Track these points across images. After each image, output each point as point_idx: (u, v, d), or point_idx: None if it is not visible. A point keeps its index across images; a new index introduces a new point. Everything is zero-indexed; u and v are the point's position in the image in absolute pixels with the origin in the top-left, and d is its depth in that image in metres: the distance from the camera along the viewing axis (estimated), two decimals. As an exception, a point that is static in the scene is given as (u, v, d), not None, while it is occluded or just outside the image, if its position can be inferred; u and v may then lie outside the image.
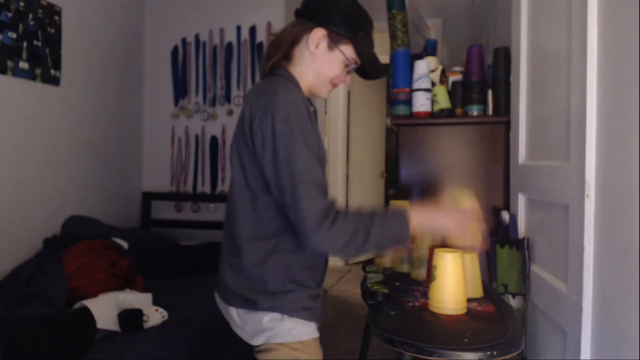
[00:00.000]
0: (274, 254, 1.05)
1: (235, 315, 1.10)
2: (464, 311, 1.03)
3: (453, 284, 1.02)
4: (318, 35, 1.11)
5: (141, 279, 2.17)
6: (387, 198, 5.29)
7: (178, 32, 3.30)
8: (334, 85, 1.19)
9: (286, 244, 1.06)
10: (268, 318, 1.05)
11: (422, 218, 1.03)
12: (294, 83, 1.12)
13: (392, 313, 1.04)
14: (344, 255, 1.04)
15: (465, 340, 0.88)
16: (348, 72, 1.17)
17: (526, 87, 1.48)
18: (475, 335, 0.91)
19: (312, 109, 1.14)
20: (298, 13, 1.17)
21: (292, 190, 0.96)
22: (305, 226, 0.95)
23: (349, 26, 1.11)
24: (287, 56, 1.15)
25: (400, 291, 1.21)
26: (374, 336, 0.99)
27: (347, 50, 1.13)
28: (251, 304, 1.06)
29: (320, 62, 1.13)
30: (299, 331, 1.05)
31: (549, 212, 1.29)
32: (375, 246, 1.01)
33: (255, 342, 1.07)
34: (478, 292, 1.15)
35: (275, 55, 1.14)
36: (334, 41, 1.11)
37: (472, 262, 1.16)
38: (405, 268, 1.44)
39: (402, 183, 1.78)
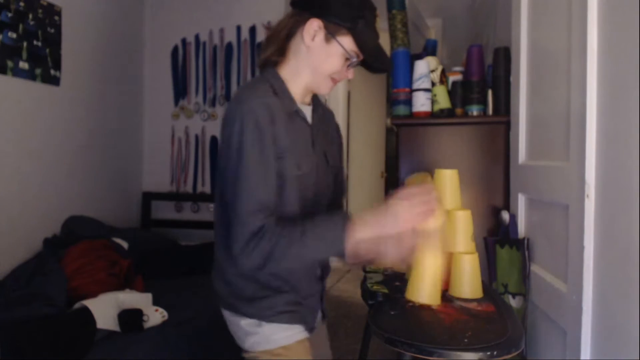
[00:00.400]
0: None
1: (226, 317, 1.11)
2: (438, 302, 1.07)
3: (428, 274, 1.06)
4: (314, 26, 1.00)
5: (141, 279, 2.17)
6: (387, 198, 5.29)
7: (178, 32, 3.29)
8: (335, 81, 1.07)
9: None
10: (247, 322, 1.05)
11: (366, 230, 0.90)
12: (275, 83, 1.04)
13: (392, 313, 1.04)
14: (272, 271, 1.00)
15: (465, 340, 0.88)
16: (350, 66, 1.05)
17: (526, 87, 1.47)
18: (475, 335, 0.91)
19: (294, 109, 1.05)
20: (294, 3, 1.06)
21: (231, 207, 0.94)
22: (233, 248, 0.92)
23: (348, 15, 0.99)
24: (282, 51, 1.06)
25: (400, 291, 1.21)
26: (374, 336, 0.99)
27: (347, 42, 1.01)
28: (234, 309, 1.07)
29: (317, 56, 1.02)
30: (279, 336, 1.04)
31: (549, 212, 1.29)
32: (303, 261, 0.96)
33: (243, 345, 1.08)
34: (478, 293, 1.15)
35: (269, 49, 1.06)
36: (331, 32, 1.00)
37: (473, 262, 1.16)
38: (404, 268, 1.45)
39: (402, 183, 1.78)
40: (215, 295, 1.12)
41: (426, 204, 0.93)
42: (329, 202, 1.16)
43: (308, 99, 1.12)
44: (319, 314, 1.17)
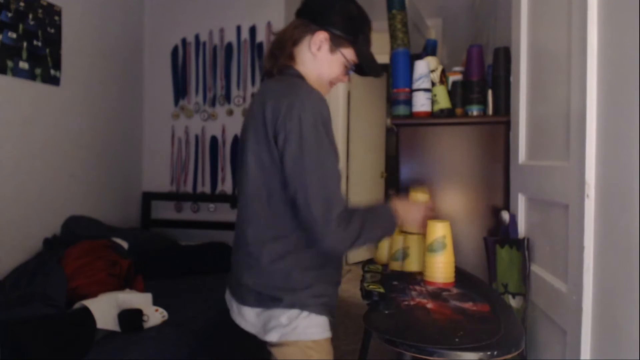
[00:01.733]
0: (293, 250, 1.07)
1: (251, 314, 1.11)
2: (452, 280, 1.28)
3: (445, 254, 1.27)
4: (320, 38, 1.12)
5: (141, 279, 2.17)
6: (387, 198, 5.29)
7: (178, 32, 3.30)
8: (333, 84, 1.21)
9: (303, 241, 1.06)
10: (286, 316, 1.06)
11: (402, 212, 1.18)
12: (304, 79, 1.14)
13: (387, 312, 1.04)
14: (351, 250, 1.12)
15: (456, 339, 0.88)
16: (347, 73, 1.20)
17: (526, 87, 1.47)
18: (467, 335, 0.91)
19: None
20: (299, 13, 1.17)
21: (313, 193, 0.99)
22: (320, 229, 0.99)
23: (351, 30, 1.13)
24: (291, 57, 1.16)
25: (396, 290, 1.21)
26: (374, 336, 0.99)
27: (348, 53, 1.15)
28: (270, 302, 1.07)
29: (321, 64, 1.15)
30: (313, 331, 1.06)
31: (549, 212, 1.29)
32: (374, 240, 1.14)
33: (270, 338, 1.08)
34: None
35: (281, 55, 1.15)
36: (335, 44, 1.14)
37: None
38: (396, 265, 1.47)
39: (402, 183, 1.78)
40: (244, 292, 1.12)
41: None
42: None
43: None
44: None
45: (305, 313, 1.06)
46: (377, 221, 1.09)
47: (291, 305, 1.06)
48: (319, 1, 1.16)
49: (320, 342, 1.07)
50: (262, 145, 1.05)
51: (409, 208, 1.25)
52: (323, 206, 0.98)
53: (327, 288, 1.10)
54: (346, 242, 1.01)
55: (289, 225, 1.06)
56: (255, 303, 1.10)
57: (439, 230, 1.29)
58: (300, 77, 1.14)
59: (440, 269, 1.27)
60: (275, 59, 1.16)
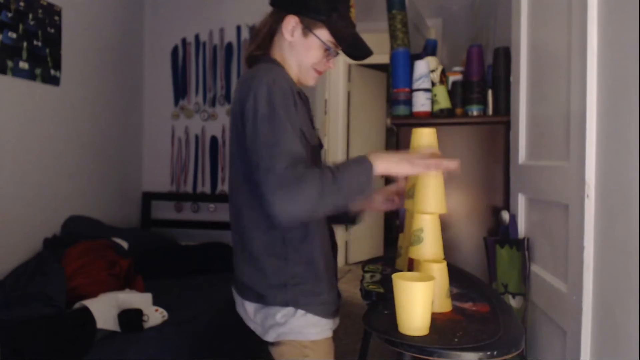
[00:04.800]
0: (282, 243, 1.05)
1: (251, 310, 1.10)
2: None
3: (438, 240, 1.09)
4: (291, 22, 1.09)
5: (141, 279, 2.17)
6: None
7: (178, 32, 3.30)
8: (318, 72, 1.14)
9: (293, 233, 1.05)
10: (281, 314, 1.05)
11: (385, 164, 0.99)
12: (279, 65, 1.11)
13: (386, 312, 1.04)
14: (311, 216, 0.99)
15: (455, 340, 0.88)
16: (330, 56, 1.13)
17: (526, 87, 1.47)
18: (466, 335, 0.91)
19: (297, 89, 1.10)
20: (272, 2, 1.15)
21: (269, 166, 0.92)
22: (268, 198, 0.91)
23: (321, 9, 1.07)
24: (264, 47, 1.13)
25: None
26: (374, 336, 0.99)
27: (323, 34, 1.09)
28: (264, 299, 1.06)
29: (298, 50, 1.10)
30: (310, 331, 1.05)
31: (549, 212, 1.29)
32: (341, 199, 0.96)
33: (268, 337, 1.08)
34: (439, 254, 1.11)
35: (253, 44, 1.14)
36: (307, 27, 1.08)
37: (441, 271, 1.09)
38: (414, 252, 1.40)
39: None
40: (242, 287, 1.11)
41: (434, 162, 1.03)
42: None
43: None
44: None
45: (300, 312, 1.05)
46: (342, 181, 0.94)
47: (285, 303, 1.05)
48: None
49: (318, 342, 1.06)
50: (240, 137, 1.02)
51: (397, 154, 1.04)
52: (276, 176, 0.91)
53: (320, 285, 1.08)
54: (297, 212, 0.91)
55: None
56: (251, 298, 1.09)
57: (418, 222, 1.11)
58: (268, 61, 1.11)
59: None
60: (247, 50, 1.15)
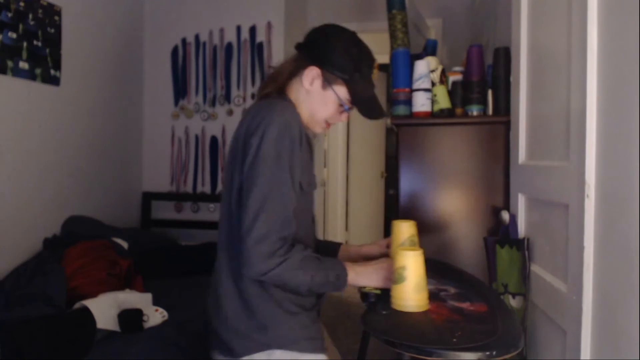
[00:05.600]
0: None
1: None
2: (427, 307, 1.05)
3: (422, 280, 1.05)
4: (313, 73, 1.09)
5: (141, 279, 2.17)
6: (387, 198, 5.29)
7: (178, 32, 3.30)
8: (329, 125, 1.16)
9: None
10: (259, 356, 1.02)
11: (356, 276, 1.08)
12: (294, 106, 1.10)
13: (384, 313, 1.04)
14: (277, 284, 1.03)
15: (454, 340, 0.88)
16: (343, 112, 1.14)
17: (526, 87, 1.47)
18: (465, 335, 0.91)
19: (305, 132, 1.11)
20: (299, 46, 1.15)
21: (255, 212, 0.94)
22: (252, 253, 0.93)
23: (345, 67, 1.08)
24: (281, 90, 1.13)
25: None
26: (372, 336, 0.99)
27: (341, 91, 1.10)
28: (246, 343, 1.03)
29: (314, 100, 1.11)
30: None
31: (549, 212, 1.29)
32: (309, 290, 1.03)
33: None
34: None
35: (272, 85, 1.13)
36: (327, 81, 1.09)
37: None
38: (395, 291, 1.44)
39: (402, 183, 1.78)
40: (222, 343, 1.07)
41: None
42: None
43: None
44: None
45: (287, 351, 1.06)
46: (316, 268, 0.99)
47: (266, 347, 1.05)
48: (319, 36, 1.13)
49: None
50: (237, 165, 1.04)
51: (370, 268, 1.11)
52: (255, 223, 0.94)
53: (305, 321, 1.08)
54: (262, 270, 0.94)
55: None
56: (229, 347, 1.11)
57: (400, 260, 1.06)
58: (285, 99, 1.10)
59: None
60: (265, 89, 1.14)
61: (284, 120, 0.99)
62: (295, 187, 1.00)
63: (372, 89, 1.15)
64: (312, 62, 1.09)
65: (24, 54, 2.27)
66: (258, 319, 1.03)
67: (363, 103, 1.13)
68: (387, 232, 5.26)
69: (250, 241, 0.93)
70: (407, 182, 1.77)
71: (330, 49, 1.09)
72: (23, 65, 2.27)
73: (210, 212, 3.24)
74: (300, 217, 1.05)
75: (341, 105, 1.12)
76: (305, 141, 1.08)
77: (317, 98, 1.10)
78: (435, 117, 1.72)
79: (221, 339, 1.06)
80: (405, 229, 1.26)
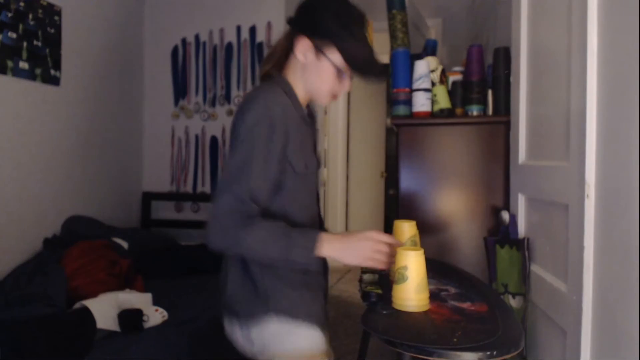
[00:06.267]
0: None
1: (243, 331, 1.10)
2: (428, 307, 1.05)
3: (423, 280, 1.04)
4: (303, 44, 1.06)
5: (141, 279, 2.17)
6: (387, 198, 5.29)
7: (178, 32, 3.29)
8: (335, 96, 1.11)
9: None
10: (273, 328, 1.04)
11: (333, 247, 1.00)
12: (285, 87, 1.08)
13: (385, 312, 1.04)
14: (241, 256, 1.04)
15: (455, 339, 0.88)
16: (343, 79, 1.08)
17: (526, 87, 1.47)
18: (465, 335, 0.91)
19: (305, 112, 1.11)
20: (290, 21, 1.12)
21: (220, 190, 0.96)
22: (209, 219, 0.95)
23: (333, 29, 1.02)
24: (279, 66, 1.12)
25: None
26: (373, 336, 0.99)
27: (335, 57, 1.05)
28: (257, 314, 1.05)
29: (311, 73, 1.07)
30: (304, 344, 1.04)
31: (549, 212, 1.29)
32: (274, 258, 0.99)
33: (262, 355, 1.07)
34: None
35: (267, 65, 1.13)
36: (319, 48, 1.04)
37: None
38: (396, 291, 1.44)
39: (402, 183, 1.78)
40: (228, 307, 1.10)
41: (383, 253, 1.03)
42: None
43: (305, 104, 1.16)
44: None
45: (292, 322, 1.06)
46: (278, 240, 0.96)
47: (279, 312, 1.06)
48: (306, 5, 1.09)
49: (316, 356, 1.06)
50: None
51: (353, 241, 1.02)
52: (227, 199, 0.94)
53: (311, 295, 1.09)
54: (222, 244, 0.96)
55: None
56: (241, 315, 1.11)
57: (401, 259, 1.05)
58: (276, 81, 1.08)
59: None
60: (263, 69, 1.14)
61: (262, 105, 0.98)
62: (270, 170, 0.98)
63: (367, 48, 1.07)
64: (302, 33, 1.06)
65: (24, 54, 2.27)
66: (260, 291, 1.05)
67: (359, 65, 1.05)
68: (387, 231, 5.26)
69: (210, 217, 0.95)
70: (407, 182, 1.77)
71: (317, 15, 1.04)
72: (23, 65, 2.27)
73: (210, 212, 3.23)
74: (299, 200, 1.07)
75: (339, 71, 1.06)
76: (299, 122, 1.06)
77: (313, 70, 1.06)
78: (435, 117, 1.72)
79: (228, 307, 1.10)
80: (406, 229, 1.27)
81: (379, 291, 1.14)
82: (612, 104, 0.94)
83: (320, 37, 1.04)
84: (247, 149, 0.97)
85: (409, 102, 1.76)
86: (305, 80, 1.09)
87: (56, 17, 2.47)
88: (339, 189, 4.67)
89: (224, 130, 3.23)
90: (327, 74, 1.06)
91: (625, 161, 0.87)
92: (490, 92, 1.71)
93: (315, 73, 1.07)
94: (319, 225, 1.23)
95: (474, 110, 1.69)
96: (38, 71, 2.35)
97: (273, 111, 0.99)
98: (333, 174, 4.60)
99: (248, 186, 0.96)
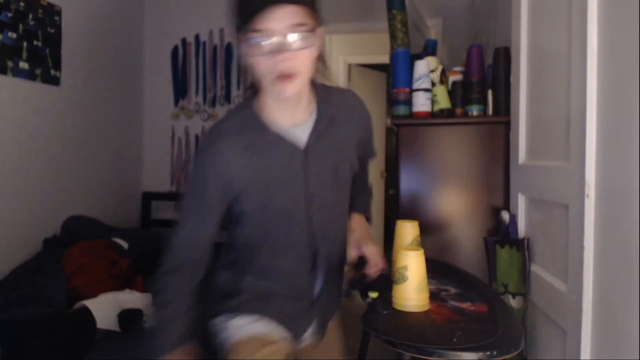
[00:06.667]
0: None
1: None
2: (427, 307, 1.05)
3: (423, 280, 1.05)
4: (237, 44, 0.97)
5: (141, 279, 2.17)
6: (387, 198, 5.29)
7: (178, 32, 3.30)
8: (280, 77, 0.91)
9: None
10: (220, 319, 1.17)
11: None
12: (248, 116, 0.99)
13: (385, 312, 1.04)
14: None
15: (454, 340, 0.88)
16: (262, 50, 0.90)
17: (526, 87, 1.47)
18: (465, 335, 0.91)
19: (271, 136, 0.98)
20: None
21: (176, 225, 1.05)
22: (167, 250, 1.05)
23: (239, 18, 0.93)
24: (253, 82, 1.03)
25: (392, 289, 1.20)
26: (373, 336, 0.99)
27: (243, 37, 0.92)
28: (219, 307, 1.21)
29: (251, 67, 0.94)
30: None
31: (549, 212, 1.29)
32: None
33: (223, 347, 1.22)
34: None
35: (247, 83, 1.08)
36: (239, 41, 0.94)
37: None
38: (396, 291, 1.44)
39: (402, 183, 1.78)
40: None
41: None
42: (342, 212, 1.14)
43: (303, 116, 1.01)
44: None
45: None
46: (155, 315, 1.12)
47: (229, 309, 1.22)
48: None
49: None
50: None
51: None
52: (172, 238, 1.06)
53: (259, 291, 1.13)
54: (155, 287, 1.08)
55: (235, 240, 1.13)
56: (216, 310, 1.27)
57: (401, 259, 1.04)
58: (239, 103, 1.11)
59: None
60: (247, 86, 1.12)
61: (202, 159, 1.01)
62: (207, 225, 1.04)
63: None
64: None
65: (24, 54, 2.27)
66: (225, 293, 1.20)
67: (245, 11, 0.92)
68: (387, 231, 5.27)
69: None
70: (407, 182, 1.77)
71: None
72: (23, 65, 2.26)
73: (210, 212, 3.24)
74: (261, 230, 1.06)
75: (253, 45, 0.90)
76: (267, 150, 0.98)
77: (248, 62, 0.93)
78: (435, 117, 1.72)
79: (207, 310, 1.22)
80: (409, 230, 1.26)
81: (375, 295, 1.14)
82: (612, 104, 0.94)
83: (236, 32, 0.95)
84: (186, 196, 1.03)
85: (409, 102, 1.76)
86: (256, 78, 0.96)
87: (56, 17, 2.47)
88: (339, 189, 4.66)
89: (224, 130, 3.23)
90: (249, 52, 0.91)
91: (625, 161, 0.87)
92: (490, 92, 1.71)
93: (250, 62, 0.93)
94: (337, 238, 1.14)
95: (474, 110, 1.69)
96: (38, 71, 2.35)
97: (207, 166, 0.99)
98: (333, 174, 4.59)
99: (188, 232, 1.04)
